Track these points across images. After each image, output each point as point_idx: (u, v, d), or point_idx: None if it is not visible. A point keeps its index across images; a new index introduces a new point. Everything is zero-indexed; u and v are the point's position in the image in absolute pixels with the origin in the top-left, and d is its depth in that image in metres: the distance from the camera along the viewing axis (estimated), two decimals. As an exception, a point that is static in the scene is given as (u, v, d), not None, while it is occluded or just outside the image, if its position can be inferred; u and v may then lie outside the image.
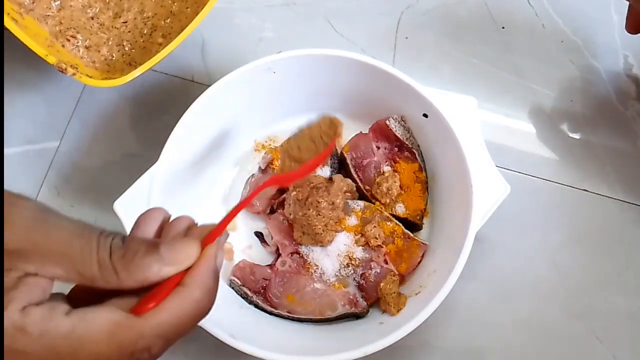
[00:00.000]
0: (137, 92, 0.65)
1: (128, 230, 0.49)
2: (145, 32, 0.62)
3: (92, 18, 0.63)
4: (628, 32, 0.56)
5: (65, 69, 0.54)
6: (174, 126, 0.52)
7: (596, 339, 0.56)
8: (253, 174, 0.59)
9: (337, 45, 0.65)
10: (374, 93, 0.56)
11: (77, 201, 0.63)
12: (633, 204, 0.60)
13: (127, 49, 0.62)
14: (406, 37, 0.66)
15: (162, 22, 0.62)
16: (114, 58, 0.61)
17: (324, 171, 0.57)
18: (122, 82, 0.53)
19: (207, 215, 0.58)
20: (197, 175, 0.57)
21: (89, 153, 0.64)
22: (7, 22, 0.54)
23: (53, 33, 0.61)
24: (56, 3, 0.62)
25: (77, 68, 0.55)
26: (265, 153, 0.59)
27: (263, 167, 0.58)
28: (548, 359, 0.56)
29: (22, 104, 0.66)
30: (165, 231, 0.33)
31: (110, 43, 0.62)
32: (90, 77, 0.55)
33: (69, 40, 0.61)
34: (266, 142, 0.61)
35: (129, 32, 0.62)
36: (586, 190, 0.60)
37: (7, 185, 0.64)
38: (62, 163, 0.64)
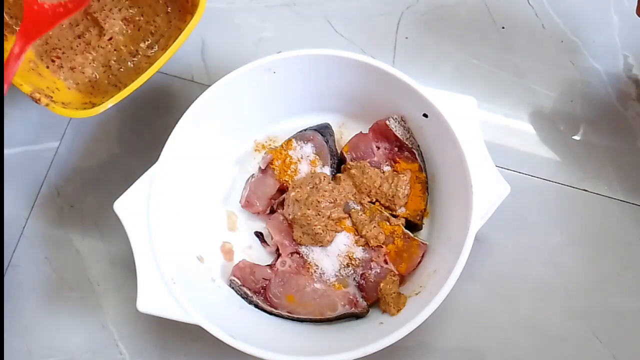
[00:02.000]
0: (137, 93, 0.65)
1: (128, 231, 0.50)
2: (132, 49, 0.61)
3: (79, 37, 0.61)
4: (639, 15, 0.54)
5: (39, 99, 0.53)
6: (174, 126, 0.52)
7: (596, 339, 0.56)
8: (253, 174, 0.59)
9: (337, 45, 0.65)
10: (374, 93, 0.56)
11: (77, 201, 0.63)
12: (633, 204, 0.60)
13: (114, 69, 0.60)
14: (406, 37, 0.66)
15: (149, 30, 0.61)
16: (97, 79, 0.60)
17: (324, 170, 0.57)
18: (94, 113, 0.52)
19: (207, 215, 0.58)
20: (197, 175, 0.57)
21: (88, 153, 0.64)
22: None
23: (38, 53, 0.60)
24: None
25: (51, 97, 0.55)
26: (265, 153, 0.59)
27: (263, 167, 0.58)
28: (548, 359, 0.56)
29: (22, 105, 0.66)
30: None
31: (95, 64, 0.61)
32: (66, 104, 0.54)
33: (53, 62, 0.60)
34: (266, 142, 0.61)
35: (115, 50, 0.61)
36: (586, 190, 0.60)
37: (8, 186, 0.64)
38: (62, 163, 0.64)
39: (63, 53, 0.60)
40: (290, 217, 0.55)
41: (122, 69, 0.61)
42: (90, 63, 0.61)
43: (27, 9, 0.52)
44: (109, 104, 0.52)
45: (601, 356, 0.55)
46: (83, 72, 0.60)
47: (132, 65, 0.61)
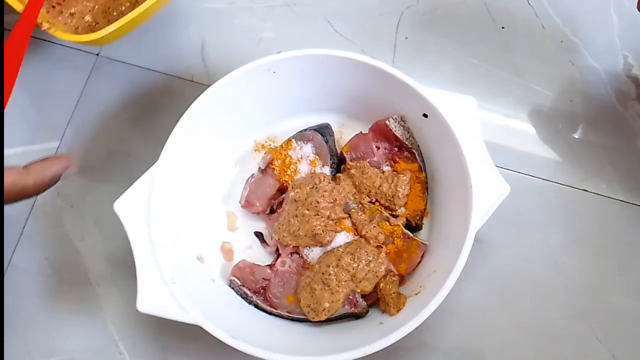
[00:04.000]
0: (137, 92, 0.66)
1: (128, 231, 0.50)
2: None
3: None
4: (639, 10, 0.54)
5: (41, 24, 0.55)
6: (174, 126, 0.52)
7: (596, 339, 0.56)
8: (253, 174, 0.59)
9: (337, 45, 0.65)
10: (374, 93, 0.56)
11: (77, 201, 0.63)
12: (633, 204, 0.60)
13: (114, 14, 0.62)
14: (406, 37, 0.66)
15: None
16: (97, 25, 0.62)
17: (324, 170, 0.57)
18: (96, 37, 0.54)
19: (207, 215, 0.58)
20: (197, 175, 0.57)
21: (88, 153, 0.64)
22: None
23: None
24: None
25: (54, 24, 0.56)
26: (265, 153, 0.59)
27: (263, 167, 0.58)
28: (548, 359, 0.56)
29: (22, 105, 0.66)
30: None
31: (95, 10, 0.63)
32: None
33: (53, 7, 0.62)
34: (266, 142, 0.61)
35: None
36: (586, 190, 0.60)
37: (7, 186, 0.63)
38: (62, 163, 0.64)
39: (64, 0, 0.62)
40: (290, 217, 0.55)
41: (122, 14, 0.62)
42: (89, 11, 0.63)
43: None
44: (112, 27, 0.54)
45: (601, 356, 0.55)
46: (83, 18, 0.62)
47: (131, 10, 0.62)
